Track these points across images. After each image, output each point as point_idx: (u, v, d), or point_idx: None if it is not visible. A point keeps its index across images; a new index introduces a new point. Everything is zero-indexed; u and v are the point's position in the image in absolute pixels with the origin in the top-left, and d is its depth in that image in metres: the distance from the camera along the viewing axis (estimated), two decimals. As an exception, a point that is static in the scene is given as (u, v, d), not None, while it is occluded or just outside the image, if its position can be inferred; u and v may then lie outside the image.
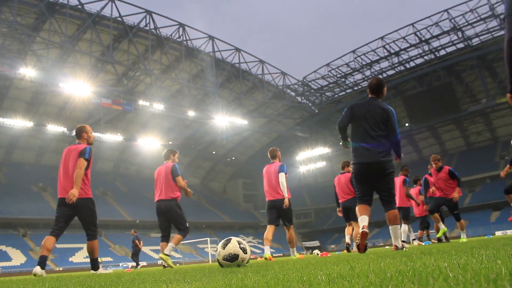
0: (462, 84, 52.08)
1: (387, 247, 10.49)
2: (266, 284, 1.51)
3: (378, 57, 50.85)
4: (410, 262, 2.08)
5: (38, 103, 48.11)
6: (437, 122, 56.09)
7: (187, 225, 7.60)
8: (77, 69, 39.87)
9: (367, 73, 54.23)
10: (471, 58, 47.46)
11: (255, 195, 74.95)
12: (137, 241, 19.66)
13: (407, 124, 56.84)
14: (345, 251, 10.01)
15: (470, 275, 1.16)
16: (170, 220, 7.58)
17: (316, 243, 61.33)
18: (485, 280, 1.01)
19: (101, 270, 6.70)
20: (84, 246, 44.76)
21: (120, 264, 38.96)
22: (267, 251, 8.15)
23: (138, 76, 46.42)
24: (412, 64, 52.29)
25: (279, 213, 8.01)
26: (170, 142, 57.65)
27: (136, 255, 20.05)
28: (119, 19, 39.76)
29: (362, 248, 5.39)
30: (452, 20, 44.28)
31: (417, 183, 12.77)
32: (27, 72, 36.41)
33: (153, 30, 42.27)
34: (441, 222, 10.53)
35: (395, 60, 51.31)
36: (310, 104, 61.14)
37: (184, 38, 44.55)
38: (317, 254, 10.46)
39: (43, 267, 6.09)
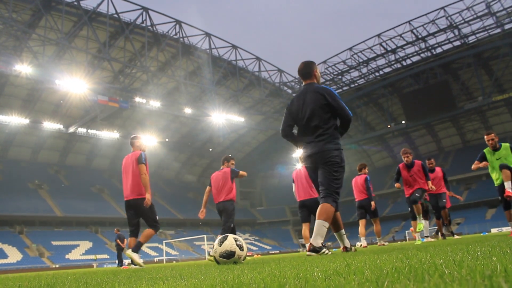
0: (458, 81, 52.21)
1: (385, 243, 10.56)
2: (263, 281, 1.51)
3: (374, 55, 50.89)
4: (406, 259, 2.09)
5: (34, 100, 47.93)
6: (433, 119, 56.22)
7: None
8: (73, 66, 39.74)
9: (364, 70, 54.33)
10: (467, 56, 47.55)
11: (252, 193, 75.05)
12: (118, 240, 19.77)
13: (403, 122, 56.94)
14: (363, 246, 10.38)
15: (466, 272, 1.16)
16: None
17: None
18: (481, 276, 1.02)
19: (136, 257, 7.64)
20: (81, 243, 44.82)
21: (116, 261, 38.96)
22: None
23: (134, 73, 46.32)
24: (408, 61, 52.39)
25: (310, 211, 8.66)
26: (167, 140, 57.62)
27: (119, 253, 20.21)
28: (116, 16, 39.64)
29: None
30: (449, 18, 44.34)
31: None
32: (23, 69, 36.25)
33: (149, 27, 42.15)
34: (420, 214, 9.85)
35: (392, 57, 51.37)
36: (307, 102, 61.08)
37: (181, 35, 44.47)
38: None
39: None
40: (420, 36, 47.38)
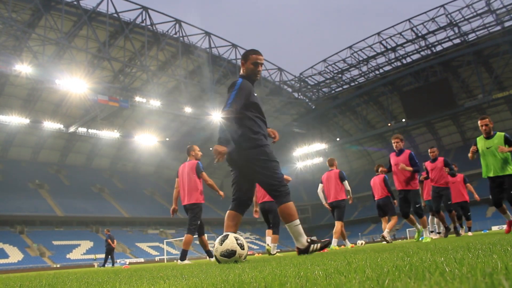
0: (458, 79, 52.18)
1: (384, 242, 10.52)
2: (264, 279, 1.51)
3: (374, 53, 50.86)
4: (407, 257, 2.09)
5: (34, 100, 47.93)
6: (433, 117, 56.21)
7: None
8: (73, 65, 39.73)
9: (364, 68, 54.36)
10: (467, 53, 47.53)
11: (252, 191, 74.82)
12: (109, 240, 19.86)
13: (403, 120, 56.95)
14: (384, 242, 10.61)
15: (466, 270, 1.16)
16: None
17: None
18: (481, 274, 1.02)
19: (186, 261, 7.52)
20: (82, 243, 44.85)
21: (118, 260, 38.96)
22: (334, 244, 9.39)
23: (134, 73, 46.30)
24: (408, 59, 52.37)
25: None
26: (167, 139, 57.62)
27: (109, 254, 20.29)
28: (115, 15, 39.62)
29: None
30: (449, 16, 44.32)
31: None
32: (23, 68, 36.25)
33: (149, 26, 42.12)
34: (416, 223, 9.18)
35: (392, 55, 51.35)
36: (307, 100, 61.16)
37: (181, 34, 44.44)
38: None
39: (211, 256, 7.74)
40: (420, 34, 47.35)
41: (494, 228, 38.64)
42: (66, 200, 49.62)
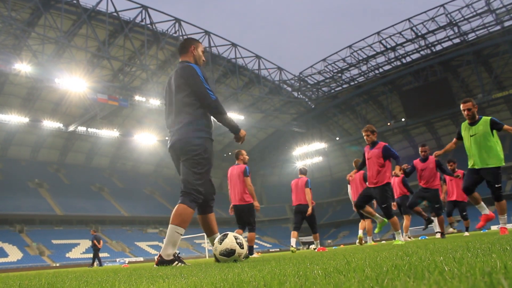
0: (458, 79, 52.17)
1: (383, 241, 10.48)
2: (263, 278, 1.51)
3: (374, 52, 50.83)
4: (406, 256, 2.10)
5: (34, 99, 47.91)
6: (433, 117, 56.21)
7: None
8: (72, 64, 39.69)
9: (364, 68, 54.35)
10: (467, 53, 47.53)
11: (252, 191, 74.84)
12: (95, 241, 19.93)
13: (403, 119, 56.96)
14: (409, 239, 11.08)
15: (466, 269, 1.17)
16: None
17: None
18: (480, 273, 1.02)
19: (254, 255, 8.32)
20: (81, 242, 44.85)
21: (117, 259, 38.98)
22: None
23: (134, 72, 46.28)
24: (408, 59, 52.35)
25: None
26: (167, 138, 57.57)
27: (96, 254, 20.36)
28: (115, 14, 39.58)
29: None
30: (448, 15, 44.31)
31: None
32: (23, 67, 36.22)
33: (149, 25, 42.08)
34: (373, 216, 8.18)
35: (392, 55, 51.33)
36: (306, 99, 61.16)
37: (180, 33, 44.40)
38: (314, 249, 10.84)
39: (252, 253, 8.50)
40: (419, 34, 47.33)
41: (493, 228, 38.65)
42: (66, 199, 49.61)
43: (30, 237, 43.04)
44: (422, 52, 50.91)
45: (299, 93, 59.21)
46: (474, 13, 43.91)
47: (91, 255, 41.22)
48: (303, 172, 10.79)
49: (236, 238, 4.22)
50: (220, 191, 74.92)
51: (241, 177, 8.46)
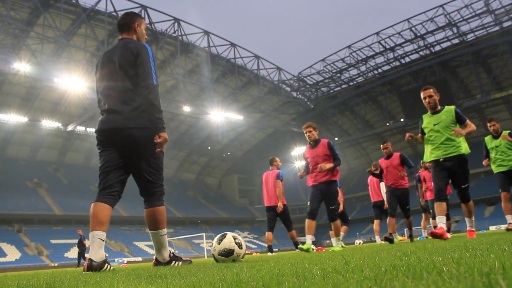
0: (457, 79, 52.24)
1: (382, 241, 10.50)
2: (261, 278, 1.51)
3: (373, 53, 50.90)
4: (405, 257, 2.10)
5: (33, 98, 47.86)
6: (432, 117, 56.26)
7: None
8: (72, 64, 39.68)
9: (363, 68, 54.38)
10: (466, 53, 47.60)
11: (251, 190, 75.02)
12: (85, 241, 20.01)
13: (402, 120, 56.99)
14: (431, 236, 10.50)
15: (464, 269, 1.17)
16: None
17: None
18: (479, 273, 1.02)
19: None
20: (80, 241, 44.72)
21: (116, 259, 38.93)
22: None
23: (133, 71, 46.22)
24: (407, 59, 52.42)
25: (381, 210, 11.12)
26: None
27: (82, 254, 20.39)
28: (114, 13, 39.55)
29: None
30: (447, 16, 44.37)
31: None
32: (21, 67, 36.21)
33: (148, 25, 42.05)
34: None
35: (391, 55, 51.40)
36: (305, 100, 61.20)
37: (180, 33, 44.41)
38: (313, 249, 10.66)
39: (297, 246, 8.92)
40: (418, 34, 47.40)
41: (492, 228, 38.72)
42: (64, 198, 49.57)
43: (29, 237, 42.99)
44: (421, 53, 50.99)
45: (298, 93, 59.24)
46: (473, 14, 43.99)
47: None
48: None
49: (234, 238, 4.21)
50: (219, 191, 75.00)
51: (275, 181, 9.17)
